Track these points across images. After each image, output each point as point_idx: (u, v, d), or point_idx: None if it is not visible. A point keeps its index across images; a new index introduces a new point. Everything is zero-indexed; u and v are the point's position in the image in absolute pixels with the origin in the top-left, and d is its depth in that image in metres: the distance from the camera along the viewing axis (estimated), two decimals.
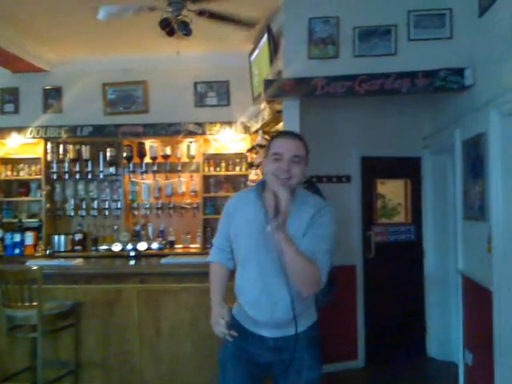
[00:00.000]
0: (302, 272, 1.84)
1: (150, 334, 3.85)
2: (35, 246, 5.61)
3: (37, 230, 5.75)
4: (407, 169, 4.91)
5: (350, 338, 4.61)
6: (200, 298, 3.77)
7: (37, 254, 5.48)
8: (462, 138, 3.81)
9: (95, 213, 5.99)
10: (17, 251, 5.41)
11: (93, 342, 3.86)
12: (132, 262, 4.36)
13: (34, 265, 3.71)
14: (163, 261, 4.17)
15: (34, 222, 5.90)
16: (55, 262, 4.39)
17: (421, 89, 3.75)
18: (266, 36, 4.58)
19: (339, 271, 4.13)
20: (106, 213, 5.98)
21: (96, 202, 6.02)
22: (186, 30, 4.15)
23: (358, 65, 3.85)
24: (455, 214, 4.09)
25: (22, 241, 5.47)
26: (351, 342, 4.62)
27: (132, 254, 4.62)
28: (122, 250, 5.50)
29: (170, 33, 4.24)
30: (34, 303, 3.37)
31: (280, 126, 4.51)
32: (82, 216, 6.01)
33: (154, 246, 5.66)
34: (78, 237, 5.85)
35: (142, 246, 5.54)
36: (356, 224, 4.70)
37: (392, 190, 4.93)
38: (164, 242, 5.79)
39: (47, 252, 5.60)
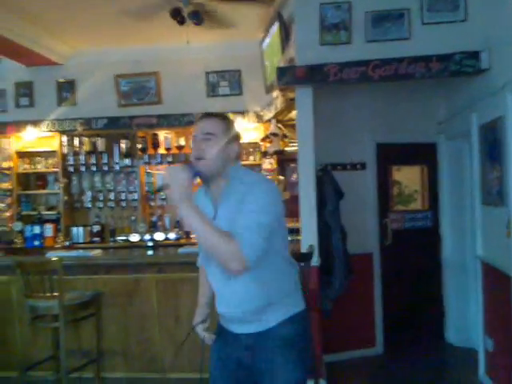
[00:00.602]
0: (217, 248, 1.69)
1: (170, 323, 3.91)
2: (54, 237, 5.70)
3: (55, 222, 5.84)
4: (423, 155, 4.86)
5: (368, 325, 4.62)
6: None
7: (56, 246, 5.57)
8: (478, 122, 3.76)
9: (112, 204, 6.06)
10: (36, 243, 5.50)
11: (113, 331, 3.93)
12: (150, 252, 4.41)
13: (54, 256, 3.79)
14: (180, 250, 4.21)
15: (52, 214, 5.99)
16: (74, 253, 4.47)
17: (435, 73, 3.69)
18: (276, 23, 4.55)
19: (356, 259, 4.22)
20: (123, 204, 6.05)
21: (113, 194, 6.08)
22: (197, 18, 4.15)
23: (371, 50, 3.80)
24: (473, 200, 4.05)
25: (42, 233, 5.55)
26: (369, 330, 4.63)
27: (149, 244, 4.66)
28: (140, 240, 5.57)
29: (181, 22, 4.23)
30: (55, 293, 3.44)
31: (293, 114, 4.49)
32: (100, 208, 6.09)
33: (171, 236, 5.71)
34: (96, 228, 5.92)
35: (159, 236, 5.61)
36: (372, 211, 4.68)
37: (408, 177, 4.89)
38: (181, 232, 5.84)
39: (66, 243, 5.69)
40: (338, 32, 3.87)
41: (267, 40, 5.04)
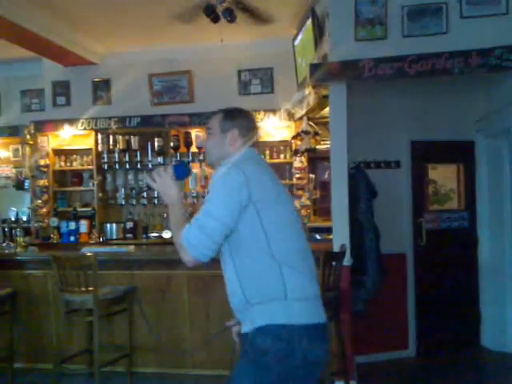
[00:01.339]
0: (174, 238, 1.79)
1: (201, 319, 3.93)
2: (89, 233, 5.81)
3: (90, 218, 5.95)
4: (460, 153, 4.73)
5: (401, 327, 4.52)
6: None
7: (91, 242, 5.68)
8: None
9: (145, 201, 6.13)
10: (72, 239, 5.61)
11: (146, 326, 3.97)
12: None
13: (88, 251, 3.86)
14: None
15: (87, 210, 6.11)
16: (108, 248, 4.54)
17: (474, 68, 3.59)
18: (310, 19, 4.50)
19: (389, 259, 4.14)
20: (155, 201, 6.11)
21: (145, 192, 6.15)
22: (230, 16, 4.15)
23: (407, 45, 3.72)
24: None
25: (77, 229, 5.66)
26: (402, 331, 4.53)
27: None
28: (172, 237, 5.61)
29: (215, 20, 4.24)
30: (90, 288, 3.50)
31: (326, 112, 4.44)
32: (133, 205, 6.17)
33: None
34: (129, 225, 6.00)
35: None
36: (406, 211, 4.58)
37: (444, 176, 4.77)
38: None
39: (101, 239, 5.79)
40: (373, 27, 3.81)
41: (300, 37, 5.00)
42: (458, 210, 4.77)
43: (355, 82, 3.82)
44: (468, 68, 3.58)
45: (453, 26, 3.69)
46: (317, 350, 1.68)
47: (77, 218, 5.79)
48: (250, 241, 1.70)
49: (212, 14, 4.21)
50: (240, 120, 1.92)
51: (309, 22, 4.55)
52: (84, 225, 5.67)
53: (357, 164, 4.19)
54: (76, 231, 5.61)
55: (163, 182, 1.85)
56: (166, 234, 5.67)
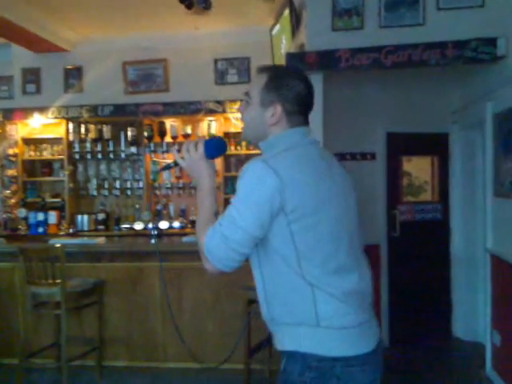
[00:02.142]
0: (197, 236, 1.47)
1: (173, 311, 3.85)
2: (58, 225, 5.66)
3: (60, 209, 5.80)
4: (434, 145, 4.74)
5: None
6: (222, 276, 3.74)
7: (60, 233, 5.53)
8: (493, 111, 3.65)
9: (117, 192, 6.02)
10: (40, 230, 5.46)
11: (116, 319, 3.89)
12: (153, 241, 4.35)
13: (56, 243, 3.74)
14: (184, 239, 4.15)
15: (56, 201, 5.95)
16: (78, 240, 4.42)
17: (450, 60, 3.58)
18: (287, 9, 4.44)
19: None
20: (128, 192, 6.00)
21: (118, 182, 6.03)
22: (205, 2, 4.05)
23: (384, 36, 3.69)
24: (485, 192, 3.94)
25: (46, 220, 5.51)
26: None
27: (153, 232, 4.61)
28: (144, 228, 5.51)
29: (189, 6, 4.15)
30: (58, 280, 3.39)
31: None
32: (105, 196, 6.04)
33: (176, 224, 5.66)
34: (101, 216, 5.88)
35: (163, 224, 5.55)
36: (381, 202, 4.58)
37: (418, 168, 4.78)
38: (185, 221, 5.78)
39: (70, 231, 5.65)
40: (350, 17, 3.77)
41: (277, 27, 4.93)
42: (431, 202, 4.80)
43: (332, 72, 3.78)
44: (444, 60, 3.58)
45: (429, 18, 3.67)
46: (357, 380, 1.43)
47: (45, 208, 5.63)
48: (278, 254, 1.40)
49: (186, 1, 4.10)
50: (286, 91, 1.48)
51: (286, 12, 4.49)
52: (53, 216, 5.52)
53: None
54: (45, 222, 5.46)
55: (192, 160, 1.53)
56: (138, 226, 5.57)
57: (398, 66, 3.61)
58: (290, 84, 1.49)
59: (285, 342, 1.44)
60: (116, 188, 6.01)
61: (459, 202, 4.70)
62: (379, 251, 4.57)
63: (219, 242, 1.37)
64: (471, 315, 4.61)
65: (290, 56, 3.85)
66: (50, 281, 3.40)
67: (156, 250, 3.55)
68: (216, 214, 1.49)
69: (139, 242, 4.53)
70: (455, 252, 4.74)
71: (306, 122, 1.54)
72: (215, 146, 1.57)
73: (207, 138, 1.60)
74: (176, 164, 1.58)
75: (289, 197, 1.35)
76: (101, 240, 4.21)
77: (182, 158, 1.55)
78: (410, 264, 4.60)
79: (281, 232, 1.38)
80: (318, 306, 1.38)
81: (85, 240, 4.33)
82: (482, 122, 3.82)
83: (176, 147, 5.84)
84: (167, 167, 1.67)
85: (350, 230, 1.50)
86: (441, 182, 4.79)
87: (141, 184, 5.97)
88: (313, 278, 1.38)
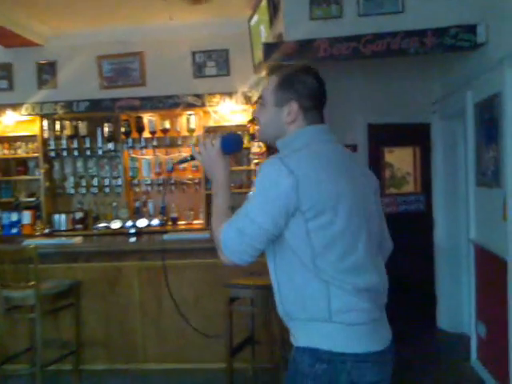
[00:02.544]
0: (212, 230, 1.50)
1: (153, 312, 3.76)
2: (33, 225, 5.49)
3: (35, 208, 5.63)
4: (416, 136, 4.72)
5: None
6: (203, 274, 3.66)
7: (36, 234, 5.37)
8: (474, 100, 3.60)
9: (95, 190, 5.86)
10: (14, 231, 5.28)
11: (94, 321, 3.78)
12: (132, 239, 4.24)
13: (30, 244, 3.60)
14: (165, 237, 4.04)
15: (31, 200, 5.77)
16: (53, 240, 4.29)
17: (430, 49, 3.52)
18: None
19: None
20: (107, 190, 5.85)
21: (96, 179, 5.88)
22: None
23: (363, 25, 3.63)
24: (467, 182, 3.91)
25: (19, 220, 5.34)
26: None
27: (131, 231, 4.48)
28: (122, 227, 5.37)
29: None
30: (31, 283, 3.27)
31: None
32: (82, 194, 5.88)
33: (154, 222, 5.52)
34: (79, 215, 5.72)
35: (141, 222, 5.41)
36: None
37: (400, 159, 4.75)
38: (165, 219, 5.66)
39: (46, 231, 5.48)
40: (328, 6, 3.71)
41: (255, 17, 4.83)
42: (414, 194, 4.77)
43: (311, 62, 3.68)
44: (423, 48, 3.52)
45: (408, 5, 3.61)
46: (367, 377, 1.44)
47: (20, 208, 5.46)
48: (294, 251, 1.41)
49: None
50: (300, 87, 1.50)
51: (264, 2, 4.39)
52: (27, 216, 5.34)
53: None
54: (18, 223, 5.29)
55: (208, 155, 1.56)
56: (115, 224, 5.42)
57: (377, 55, 3.54)
58: (303, 79, 1.52)
59: (298, 337, 1.46)
60: (94, 186, 5.85)
61: (442, 192, 4.66)
62: None
63: (234, 236, 1.40)
64: (455, 306, 4.59)
65: (267, 46, 3.76)
66: (24, 283, 3.27)
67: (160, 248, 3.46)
68: (231, 208, 1.51)
69: (117, 241, 4.41)
70: (439, 243, 4.71)
71: (322, 119, 1.57)
72: (232, 142, 1.60)
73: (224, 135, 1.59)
74: (192, 158, 1.63)
75: (305, 195, 1.36)
76: (77, 240, 4.08)
77: (199, 152, 1.59)
78: (393, 256, 4.54)
79: (298, 230, 1.39)
80: (332, 301, 1.39)
81: (61, 240, 4.20)
82: (463, 111, 3.78)
83: (154, 143, 5.71)
84: (184, 161, 1.72)
85: (368, 227, 1.50)
86: (423, 173, 4.77)
87: (119, 181, 5.82)
88: (328, 275, 1.39)
